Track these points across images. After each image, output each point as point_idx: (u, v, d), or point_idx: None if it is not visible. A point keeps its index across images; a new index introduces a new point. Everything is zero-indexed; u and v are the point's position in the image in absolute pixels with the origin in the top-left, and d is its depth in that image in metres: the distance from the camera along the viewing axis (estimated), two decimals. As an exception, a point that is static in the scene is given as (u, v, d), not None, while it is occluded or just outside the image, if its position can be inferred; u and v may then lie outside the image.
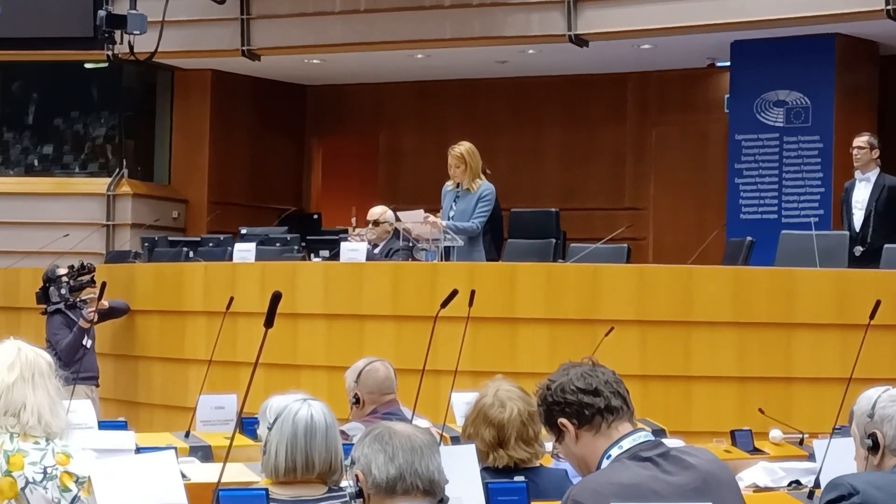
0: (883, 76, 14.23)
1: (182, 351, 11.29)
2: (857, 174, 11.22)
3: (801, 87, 13.80)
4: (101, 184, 16.32)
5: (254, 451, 4.43)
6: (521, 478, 5.03)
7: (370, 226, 10.85)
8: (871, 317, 6.72)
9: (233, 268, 11.22)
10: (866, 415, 3.99)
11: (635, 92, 16.11)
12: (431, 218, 10.24)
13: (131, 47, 14.52)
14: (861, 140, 11.26)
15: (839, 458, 5.37)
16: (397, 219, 10.53)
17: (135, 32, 14.49)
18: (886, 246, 10.06)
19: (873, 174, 11.15)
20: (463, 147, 10.49)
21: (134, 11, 14.60)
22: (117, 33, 14.53)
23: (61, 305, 11.46)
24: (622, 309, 9.51)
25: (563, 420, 3.59)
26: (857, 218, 11.02)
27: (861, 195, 11.11)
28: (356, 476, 3.53)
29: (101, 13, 14.55)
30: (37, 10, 15.87)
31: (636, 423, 3.63)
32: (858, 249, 10.70)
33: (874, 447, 3.95)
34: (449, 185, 10.58)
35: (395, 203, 11.50)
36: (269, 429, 4.16)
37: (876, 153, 11.22)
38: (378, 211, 10.87)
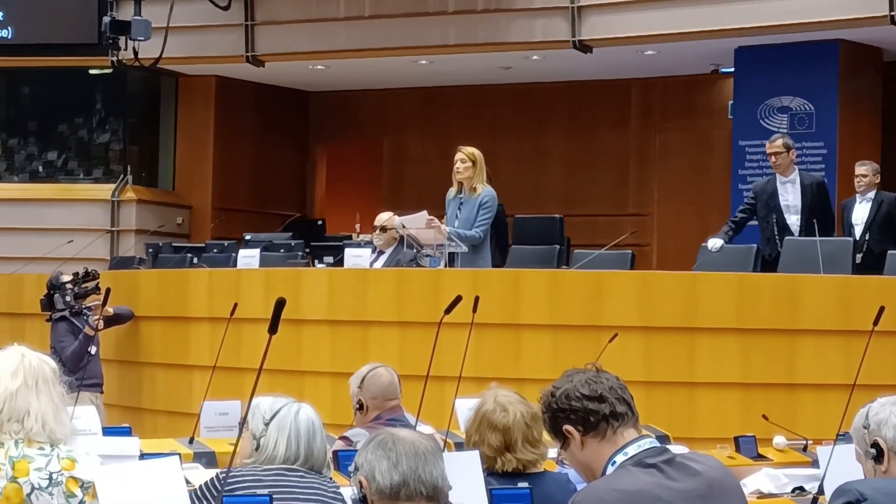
0: (887, 82, 14.23)
1: (186, 357, 11.29)
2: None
3: (804, 94, 13.81)
4: (105, 190, 16.34)
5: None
6: (525, 484, 5.04)
7: (377, 232, 10.85)
8: (875, 323, 6.71)
9: (237, 274, 11.23)
10: (862, 427, 4.00)
11: (639, 98, 16.12)
12: (436, 222, 10.24)
13: (136, 53, 14.54)
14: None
15: (843, 465, 5.37)
16: (402, 226, 10.52)
17: (139, 39, 14.50)
18: (890, 252, 10.07)
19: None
20: (474, 148, 10.54)
21: (138, 18, 14.62)
22: (122, 39, 14.54)
23: (66, 312, 11.45)
24: (626, 315, 9.51)
25: (568, 427, 3.59)
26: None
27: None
28: (360, 482, 3.53)
29: (106, 19, 14.57)
30: (41, 16, 15.89)
31: (641, 430, 3.63)
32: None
33: (879, 455, 3.95)
34: (451, 193, 10.57)
35: (399, 209, 11.49)
36: (266, 424, 4.40)
37: (794, 154, 11.10)
38: (385, 217, 10.87)
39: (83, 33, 15.53)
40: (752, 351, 9.39)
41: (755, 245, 10.71)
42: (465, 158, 10.42)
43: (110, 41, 14.69)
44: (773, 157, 11.04)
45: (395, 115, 17.29)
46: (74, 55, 15.90)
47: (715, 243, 10.64)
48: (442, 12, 14.69)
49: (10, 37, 16.05)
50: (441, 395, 7.31)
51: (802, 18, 13.03)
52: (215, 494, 4.31)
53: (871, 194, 11.26)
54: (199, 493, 4.41)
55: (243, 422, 4.30)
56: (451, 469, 3.66)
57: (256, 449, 4.40)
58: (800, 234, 10.74)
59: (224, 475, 4.29)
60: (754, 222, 11.35)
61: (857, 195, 11.33)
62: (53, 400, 4.13)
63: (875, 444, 3.96)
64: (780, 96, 13.92)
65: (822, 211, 10.98)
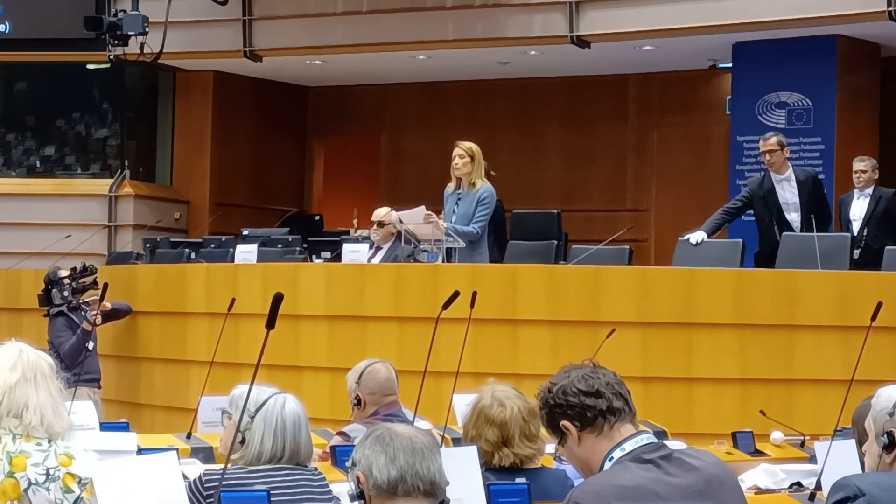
0: (884, 77, 14.23)
1: (184, 352, 11.29)
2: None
3: (802, 89, 13.80)
4: (102, 185, 16.33)
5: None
6: (523, 479, 5.04)
7: (374, 227, 10.85)
8: (873, 318, 6.71)
9: (234, 269, 11.23)
10: (886, 412, 3.95)
11: (637, 93, 16.11)
12: (433, 217, 10.24)
13: (142, 48, 14.50)
14: (770, 142, 11.04)
15: (841, 460, 5.37)
16: (400, 221, 10.52)
17: (130, 33, 14.45)
18: (888, 248, 10.07)
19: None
20: (471, 143, 10.53)
21: (132, 12, 14.58)
22: (131, 35, 14.48)
23: (64, 307, 11.44)
24: (624, 310, 9.51)
25: (565, 422, 3.58)
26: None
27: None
28: (357, 477, 3.53)
29: (101, 17, 14.52)
30: (39, 11, 15.88)
31: (638, 425, 3.62)
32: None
33: (889, 446, 3.93)
34: (450, 188, 10.57)
35: (397, 204, 11.49)
36: (252, 417, 4.36)
37: (787, 151, 11.12)
38: (382, 212, 10.87)
39: (80, 28, 15.51)
40: (750, 346, 9.39)
41: (741, 240, 10.71)
42: (463, 154, 10.41)
43: (103, 36, 14.66)
44: (766, 154, 11.04)
45: (393, 111, 17.28)
46: (72, 50, 15.88)
47: (697, 236, 10.65)
48: (440, 7, 14.68)
49: (7, 32, 16.04)
50: (439, 391, 7.31)
51: (800, 14, 13.02)
52: (200, 499, 4.29)
53: (870, 190, 11.27)
54: (189, 491, 4.39)
55: (241, 417, 4.28)
56: (449, 464, 3.66)
57: (242, 442, 4.37)
58: (801, 231, 10.74)
59: (207, 479, 4.28)
60: (750, 218, 11.36)
61: (855, 191, 11.34)
62: (52, 394, 4.14)
63: (890, 434, 3.92)
64: (778, 92, 13.91)
65: (820, 205, 11.00)
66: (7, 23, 16.05)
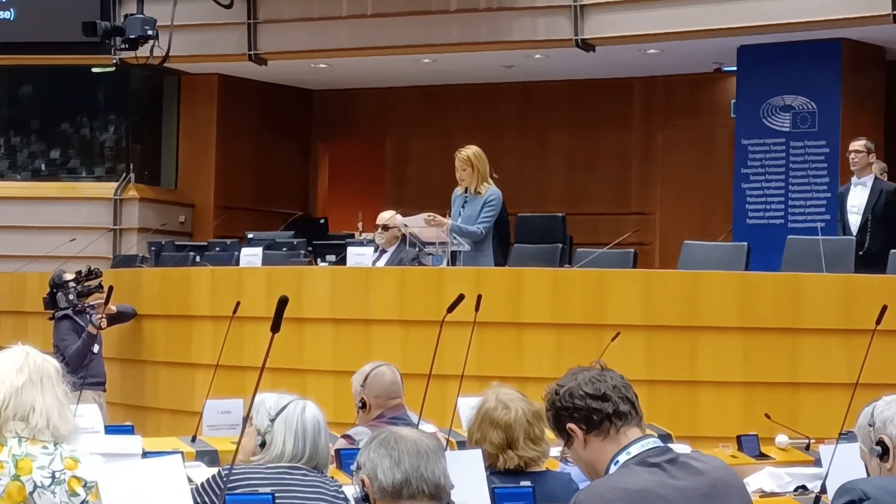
0: (889, 81, 14.23)
1: (189, 355, 11.29)
2: (853, 178, 11.29)
3: (807, 92, 13.80)
4: (107, 188, 16.34)
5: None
6: (528, 482, 5.05)
7: (379, 230, 10.85)
8: (878, 322, 6.71)
9: (239, 272, 11.23)
10: (868, 425, 4.00)
11: (642, 96, 16.11)
12: (438, 218, 10.24)
13: (151, 51, 14.51)
14: (858, 144, 11.34)
15: (845, 464, 5.37)
16: (405, 225, 10.52)
17: (131, 37, 14.45)
18: (893, 251, 10.07)
19: (869, 179, 11.23)
20: (469, 150, 10.48)
21: (140, 15, 14.58)
22: (139, 38, 14.47)
23: (69, 311, 11.45)
24: (628, 314, 9.51)
25: (571, 425, 3.59)
26: (854, 222, 11.09)
27: (857, 199, 11.18)
28: (362, 481, 3.54)
29: (102, 23, 14.52)
30: (44, 14, 15.89)
31: (645, 429, 3.63)
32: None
33: (884, 453, 3.95)
34: (458, 191, 10.57)
35: (402, 208, 11.49)
36: (272, 420, 4.44)
37: (873, 157, 11.34)
38: (387, 215, 10.87)
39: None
40: (755, 349, 9.39)
41: (745, 243, 10.72)
42: (464, 165, 10.39)
43: (109, 40, 14.66)
44: (852, 154, 11.34)
45: (398, 114, 17.29)
46: (77, 53, 15.88)
47: None
48: (445, 11, 14.68)
49: (13, 35, 16.05)
50: (443, 394, 7.31)
51: (805, 17, 13.02)
52: (217, 492, 4.32)
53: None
54: (201, 489, 4.42)
55: (247, 417, 4.31)
56: (454, 468, 3.66)
57: (262, 445, 4.42)
58: (857, 235, 10.87)
59: (226, 472, 4.31)
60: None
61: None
62: (58, 397, 4.14)
63: (880, 442, 3.95)
64: (783, 95, 13.91)
65: (884, 217, 11.06)
66: (13, 26, 16.04)
